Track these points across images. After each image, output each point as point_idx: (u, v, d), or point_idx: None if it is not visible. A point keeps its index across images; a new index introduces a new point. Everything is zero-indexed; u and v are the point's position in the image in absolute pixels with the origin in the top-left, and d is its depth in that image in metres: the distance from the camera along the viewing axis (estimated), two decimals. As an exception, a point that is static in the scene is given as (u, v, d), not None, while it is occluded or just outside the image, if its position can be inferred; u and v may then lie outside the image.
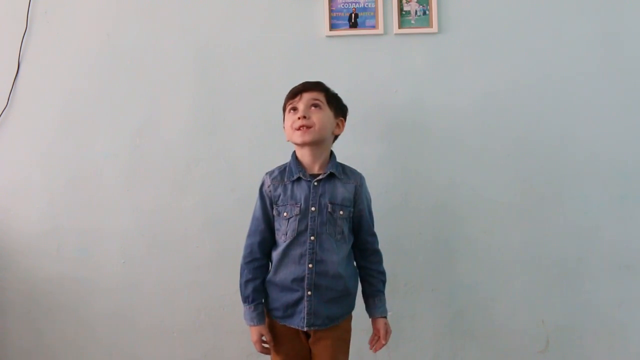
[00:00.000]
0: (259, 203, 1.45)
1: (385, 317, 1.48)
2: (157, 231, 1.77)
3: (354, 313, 1.49)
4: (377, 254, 1.49)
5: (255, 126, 1.75)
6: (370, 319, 1.49)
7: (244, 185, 1.73)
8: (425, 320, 1.76)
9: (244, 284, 1.43)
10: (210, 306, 1.77)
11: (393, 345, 1.76)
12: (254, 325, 1.42)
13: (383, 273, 1.49)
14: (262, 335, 1.43)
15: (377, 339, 1.47)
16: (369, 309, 1.48)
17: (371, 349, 1.49)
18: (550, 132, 1.75)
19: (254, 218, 1.46)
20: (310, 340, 1.43)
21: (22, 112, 1.78)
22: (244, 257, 1.45)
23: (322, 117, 1.40)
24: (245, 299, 1.43)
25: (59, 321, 1.79)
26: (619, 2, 1.75)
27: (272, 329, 1.45)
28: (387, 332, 1.47)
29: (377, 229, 1.50)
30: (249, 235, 1.46)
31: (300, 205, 1.39)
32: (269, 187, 1.43)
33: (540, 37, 1.75)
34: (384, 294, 1.48)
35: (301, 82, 1.46)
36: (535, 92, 1.75)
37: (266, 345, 1.44)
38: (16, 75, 1.77)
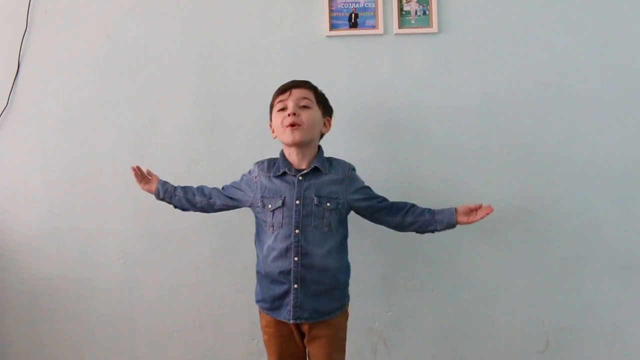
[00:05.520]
0: (238, 181, 1.51)
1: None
2: (157, 231, 1.77)
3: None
4: (403, 204, 1.48)
5: (255, 126, 1.74)
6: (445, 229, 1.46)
7: (244, 185, 1.73)
8: (425, 320, 1.76)
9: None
10: (210, 306, 1.77)
11: (393, 345, 1.76)
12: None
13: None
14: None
15: (473, 213, 1.45)
16: (441, 221, 1.45)
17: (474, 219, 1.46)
18: (550, 132, 1.75)
19: (232, 183, 1.52)
20: (306, 339, 1.44)
21: (22, 112, 1.78)
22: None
23: (311, 116, 1.42)
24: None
25: (59, 321, 1.79)
26: (619, 3, 1.75)
27: (267, 328, 1.45)
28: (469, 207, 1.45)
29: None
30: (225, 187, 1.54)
31: (284, 198, 1.40)
32: (256, 176, 1.46)
33: (540, 37, 1.75)
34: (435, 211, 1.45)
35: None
36: (535, 92, 1.75)
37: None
38: (16, 75, 1.77)
